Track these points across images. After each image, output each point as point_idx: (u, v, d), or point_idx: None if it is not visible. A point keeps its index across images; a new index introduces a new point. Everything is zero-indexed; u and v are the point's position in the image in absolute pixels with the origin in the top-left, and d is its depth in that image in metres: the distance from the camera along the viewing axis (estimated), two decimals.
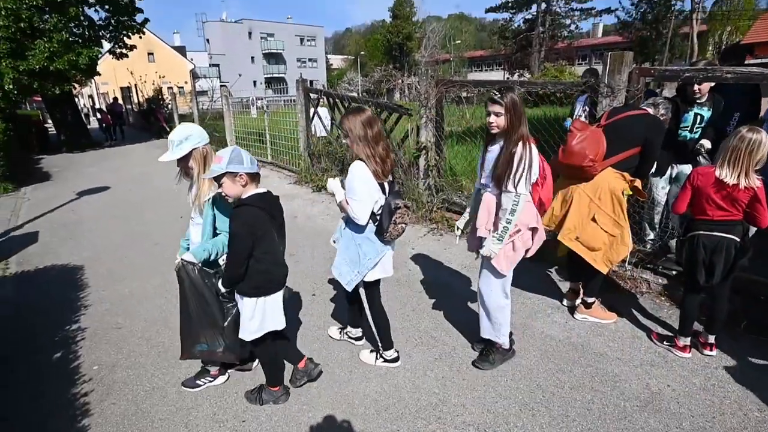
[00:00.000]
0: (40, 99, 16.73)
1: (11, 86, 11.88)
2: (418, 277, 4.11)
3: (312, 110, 7.82)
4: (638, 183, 3.00)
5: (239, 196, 2.15)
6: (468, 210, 2.82)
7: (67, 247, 5.37)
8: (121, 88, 27.17)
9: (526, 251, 2.57)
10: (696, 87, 3.42)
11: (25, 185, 9.46)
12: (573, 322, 3.26)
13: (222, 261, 2.39)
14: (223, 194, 2.17)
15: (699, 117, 3.54)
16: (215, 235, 2.42)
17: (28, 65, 12.06)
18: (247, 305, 2.25)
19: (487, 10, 39.84)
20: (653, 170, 3.34)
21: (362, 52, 58.10)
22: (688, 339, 2.82)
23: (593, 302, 3.24)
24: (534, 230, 2.52)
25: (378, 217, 2.47)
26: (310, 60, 59.46)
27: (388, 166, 2.49)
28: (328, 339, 3.19)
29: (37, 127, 16.73)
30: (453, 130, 7.73)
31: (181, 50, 45.87)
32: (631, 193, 3.03)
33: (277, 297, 2.33)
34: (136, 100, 24.17)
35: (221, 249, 2.37)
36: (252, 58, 54.02)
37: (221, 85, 13.47)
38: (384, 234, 2.49)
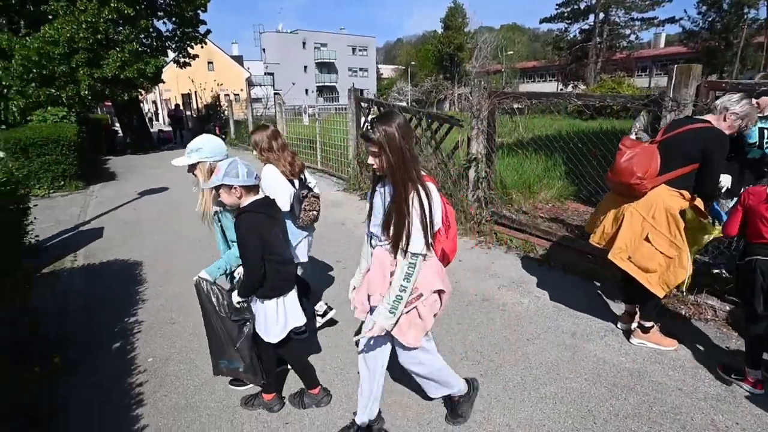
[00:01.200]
0: (110, 104, 18.02)
1: (87, 92, 12.88)
2: (464, 289, 4.04)
3: (363, 119, 7.92)
4: (699, 202, 2.81)
5: (237, 205, 2.25)
6: (361, 263, 2.31)
7: (129, 244, 5.70)
8: (182, 95, 28.73)
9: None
10: (755, 101, 3.18)
11: (93, 184, 10.17)
12: (628, 347, 3.08)
13: (237, 273, 2.47)
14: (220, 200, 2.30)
15: (765, 132, 3.29)
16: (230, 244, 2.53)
17: (102, 73, 13.03)
18: (269, 308, 2.30)
19: (542, 21, 39.15)
20: (723, 191, 3.11)
21: (413, 62, 58.50)
22: (759, 373, 2.59)
23: (651, 327, 3.05)
24: (441, 292, 2.02)
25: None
26: (361, 69, 60.54)
27: (296, 168, 3.02)
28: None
29: (106, 130, 17.99)
30: (504, 142, 7.60)
31: (239, 59, 47.98)
32: (690, 213, 2.83)
33: (293, 294, 2.40)
34: (195, 107, 25.48)
35: (234, 261, 2.45)
36: (305, 67, 55.70)
37: (275, 93, 13.97)
38: (297, 219, 2.98)
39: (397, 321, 1.92)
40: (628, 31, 36.91)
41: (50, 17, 12.48)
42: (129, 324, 3.64)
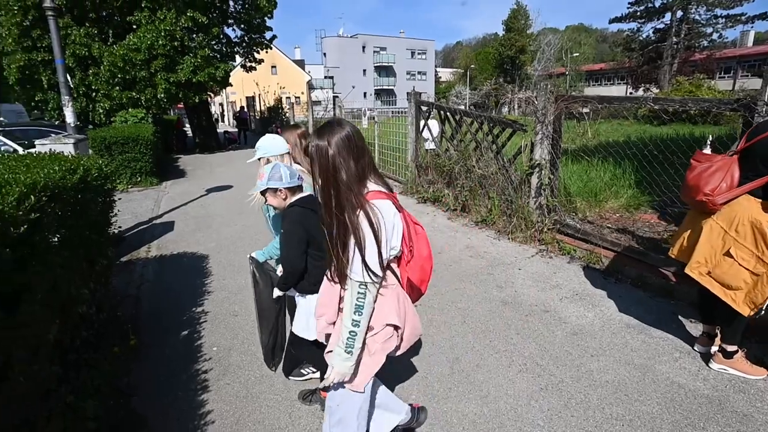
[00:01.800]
0: (181, 106, 19.24)
1: (163, 95, 13.84)
2: (524, 299, 3.91)
3: (422, 122, 7.91)
4: None
5: (283, 206, 2.32)
6: None
7: (197, 237, 6.03)
8: (247, 98, 30.10)
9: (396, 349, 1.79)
10: None
11: (165, 180, 10.88)
12: (707, 372, 2.84)
13: (279, 270, 2.55)
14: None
15: None
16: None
17: (176, 77, 13.94)
18: (310, 302, 2.27)
19: (612, 21, 37.25)
20: None
21: (472, 66, 57.76)
22: None
23: (735, 351, 2.79)
24: (397, 328, 1.72)
25: None
26: (419, 73, 60.57)
27: None
28: (429, 352, 3.15)
29: (178, 130, 19.20)
30: (568, 148, 7.29)
31: (301, 63, 49.57)
32: None
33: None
34: (258, 109, 26.62)
35: (275, 252, 2.62)
36: (364, 70, 56.58)
37: (334, 96, 14.29)
38: None
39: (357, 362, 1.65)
40: (709, 30, 34.22)
41: (134, 27, 13.53)
42: (195, 313, 3.84)
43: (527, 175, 5.23)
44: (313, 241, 2.22)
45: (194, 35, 14.67)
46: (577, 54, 44.96)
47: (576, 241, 4.84)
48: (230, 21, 16.79)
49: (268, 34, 18.13)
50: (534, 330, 3.40)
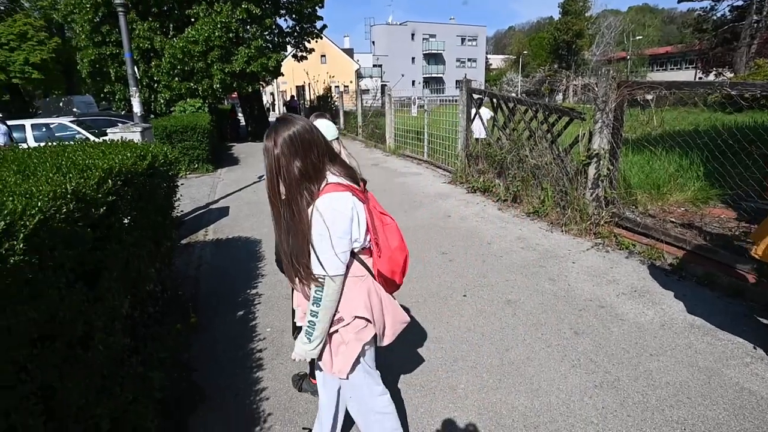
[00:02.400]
0: (234, 96, 19.88)
1: (218, 85, 14.37)
2: (578, 293, 3.78)
3: (473, 111, 7.76)
4: None
5: None
6: None
7: (250, 222, 6.27)
8: (297, 87, 30.66)
9: (376, 342, 1.79)
10: None
11: (220, 167, 11.34)
12: None
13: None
14: None
15: None
16: None
17: (231, 68, 14.41)
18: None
19: (681, 0, 34.58)
20: None
21: (524, 52, 55.78)
22: None
23: None
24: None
25: None
26: (469, 60, 59.24)
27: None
28: (478, 342, 3.13)
29: (232, 119, 19.91)
30: (628, 137, 6.91)
31: (350, 52, 49.80)
32: None
33: None
34: (308, 98, 27.07)
35: None
36: (412, 58, 56.03)
37: (382, 85, 14.28)
38: None
39: (322, 349, 1.69)
40: None
41: (193, 20, 14.10)
42: (250, 295, 4.01)
43: (584, 165, 5.02)
44: None
45: (248, 26, 15.09)
46: (641, 37, 42.22)
47: (635, 235, 4.61)
48: (282, 11, 17.12)
49: (318, 24, 18.35)
50: (588, 325, 3.29)
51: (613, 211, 4.85)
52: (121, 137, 3.65)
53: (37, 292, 1.47)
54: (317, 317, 1.60)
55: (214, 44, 13.88)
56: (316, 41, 19.11)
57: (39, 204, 1.56)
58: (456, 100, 8.75)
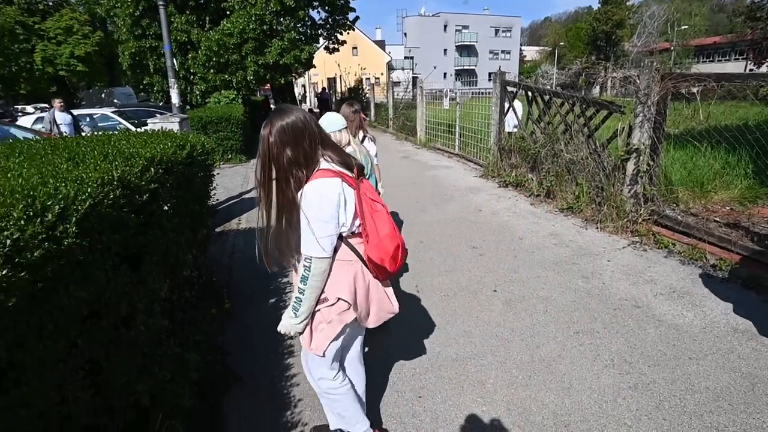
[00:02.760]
0: (266, 87, 20.13)
1: (252, 77, 14.60)
2: (612, 292, 3.68)
3: (507, 104, 7.62)
4: None
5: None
6: None
7: None
8: (328, 79, 30.82)
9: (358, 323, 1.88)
10: None
11: (252, 158, 11.55)
12: None
13: None
14: None
15: None
16: None
17: (265, 60, 14.61)
18: None
19: None
20: None
21: (561, 43, 54.22)
22: None
23: None
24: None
25: None
26: (503, 51, 58.02)
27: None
28: (508, 337, 3.10)
29: (264, 110, 20.21)
30: (671, 132, 6.64)
31: (381, 44, 49.62)
32: None
33: None
34: (339, 90, 27.17)
35: None
36: (445, 50, 55.34)
37: (413, 77, 14.17)
38: None
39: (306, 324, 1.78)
40: None
41: (228, 12, 14.34)
42: (281, 284, 4.08)
43: (622, 160, 4.85)
44: None
45: (282, 19, 15.23)
46: (686, 26, 40.26)
47: (675, 234, 4.44)
48: (315, 3, 17.20)
49: (351, 15, 18.38)
50: (623, 325, 3.20)
51: (653, 208, 4.68)
52: (161, 127, 3.77)
53: (86, 274, 1.55)
54: (303, 294, 1.69)
55: (249, 36, 14.09)
56: (348, 33, 19.14)
57: (89, 190, 1.63)
58: (489, 93, 8.61)
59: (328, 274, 1.72)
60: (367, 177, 2.94)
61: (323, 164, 1.66)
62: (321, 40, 19.01)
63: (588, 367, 2.75)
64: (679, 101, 6.76)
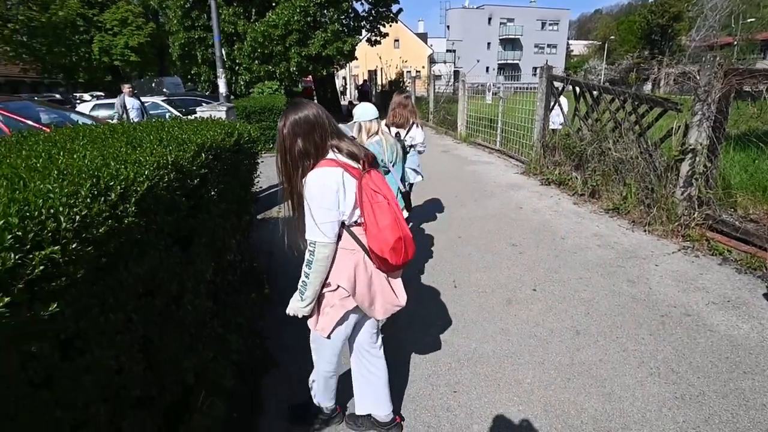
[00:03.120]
0: (307, 79, 20.37)
1: (295, 68, 14.81)
2: (660, 298, 3.52)
3: (552, 100, 7.39)
4: None
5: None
6: None
7: None
8: (369, 71, 30.82)
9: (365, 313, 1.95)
10: None
11: None
12: None
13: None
14: None
15: None
16: None
17: (308, 51, 14.79)
18: None
19: None
20: None
21: (611, 37, 52.01)
22: None
23: None
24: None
25: None
26: (549, 46, 56.26)
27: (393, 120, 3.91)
28: (547, 338, 3.03)
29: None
30: (730, 133, 6.26)
31: (423, 37, 49.14)
32: None
33: None
34: (380, 82, 27.16)
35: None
36: (488, 43, 54.26)
37: (455, 71, 13.97)
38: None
39: (313, 308, 1.90)
40: None
41: (273, 4, 14.58)
42: None
43: (676, 161, 4.61)
44: None
45: (325, 10, 15.36)
46: (753, 19, 37.63)
47: (732, 240, 4.19)
48: None
49: (394, 7, 18.29)
50: (671, 333, 3.06)
51: (707, 212, 4.44)
52: (210, 115, 3.89)
53: (143, 252, 1.62)
54: (308, 278, 1.79)
55: (293, 28, 14.30)
56: (391, 25, 19.07)
57: (146, 172, 1.70)
58: (532, 88, 8.38)
59: (333, 261, 1.80)
60: (393, 165, 3.11)
61: (329, 155, 1.75)
62: (363, 32, 19.03)
63: (631, 373, 2.65)
64: (742, 99, 6.37)
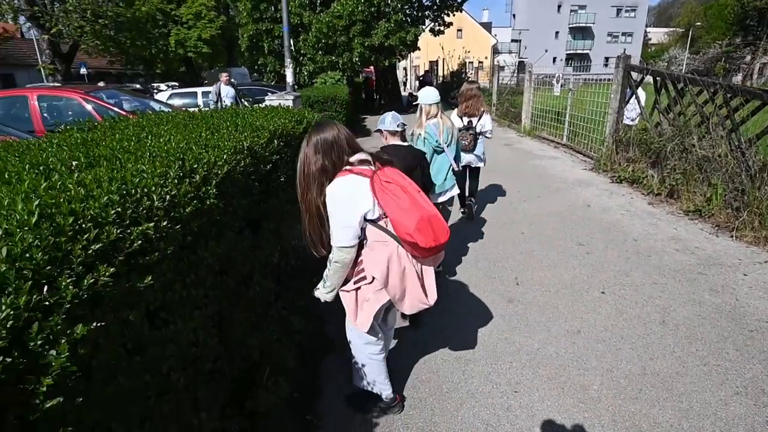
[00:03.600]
0: (369, 69, 20.45)
1: (357, 59, 14.91)
2: (748, 311, 3.21)
3: (628, 92, 6.93)
4: None
5: (387, 143, 2.92)
6: None
7: None
8: (430, 62, 30.50)
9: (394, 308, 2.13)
10: None
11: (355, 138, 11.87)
12: None
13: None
14: None
15: None
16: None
17: (371, 42, 14.82)
18: None
19: None
20: None
21: (697, 23, 47.87)
22: None
23: None
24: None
25: None
26: (623, 34, 52.69)
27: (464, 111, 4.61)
28: (616, 345, 2.86)
29: (370, 88, 20.61)
30: None
31: (487, 26, 47.73)
32: None
33: None
34: (441, 73, 26.79)
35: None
36: (556, 33, 51.75)
37: (520, 61, 13.45)
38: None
39: (336, 295, 2.05)
40: None
41: None
42: None
43: None
44: None
45: (390, 0, 15.30)
46: None
47: None
48: None
49: None
50: (762, 350, 2.78)
51: None
52: (279, 104, 4.00)
53: (221, 233, 1.70)
54: (329, 273, 1.97)
55: (357, 18, 14.37)
56: (455, 15, 18.68)
57: (225, 156, 1.77)
58: (607, 79, 7.89)
59: (356, 257, 1.95)
60: (447, 146, 3.62)
61: (346, 167, 1.93)
62: (427, 21, 18.78)
63: (713, 391, 2.44)
64: None
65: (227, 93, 9.38)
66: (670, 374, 2.59)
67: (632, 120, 7.16)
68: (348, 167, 1.92)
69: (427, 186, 3.02)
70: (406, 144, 3.00)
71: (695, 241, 4.43)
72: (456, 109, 4.61)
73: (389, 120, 2.90)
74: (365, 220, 1.90)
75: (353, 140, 2.01)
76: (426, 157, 3.10)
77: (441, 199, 3.63)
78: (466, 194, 5.00)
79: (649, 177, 6.04)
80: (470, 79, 4.21)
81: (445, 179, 3.63)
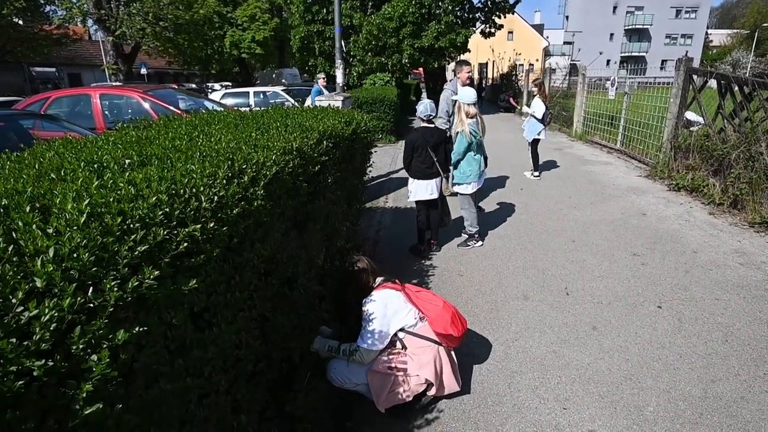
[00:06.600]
0: (416, 72, 20.36)
1: (407, 61, 14.85)
2: None
3: (690, 96, 6.48)
4: None
5: (420, 126, 4.14)
6: None
7: None
8: (479, 64, 29.98)
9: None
10: None
11: (401, 140, 11.81)
12: None
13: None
14: None
15: None
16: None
17: (420, 43, 14.71)
18: (410, 183, 4.20)
19: None
20: None
21: (764, 24, 44.51)
22: None
23: None
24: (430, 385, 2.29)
25: None
26: (682, 36, 49.72)
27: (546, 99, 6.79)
28: (674, 364, 2.64)
29: (416, 92, 20.52)
30: None
31: (539, 28, 46.42)
32: None
33: (422, 182, 4.10)
34: (491, 75, 26.28)
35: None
36: (611, 35, 49.55)
37: (571, 64, 12.94)
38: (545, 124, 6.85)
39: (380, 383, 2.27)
40: None
41: None
42: (424, 266, 4.09)
43: None
44: (417, 149, 4.02)
45: (440, 2, 15.14)
46: None
47: None
48: None
49: None
50: None
51: None
52: (329, 104, 4.01)
53: (266, 234, 1.68)
54: (347, 358, 2.25)
55: (407, 20, 14.31)
56: (506, 17, 18.26)
57: (273, 157, 1.76)
58: (665, 83, 7.43)
59: (414, 355, 2.27)
60: (479, 141, 4.27)
61: (378, 281, 2.40)
62: (478, 23, 18.46)
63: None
64: None
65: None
66: (734, 399, 2.36)
67: (697, 124, 6.71)
68: (380, 281, 2.40)
69: (449, 159, 4.15)
70: (432, 126, 4.10)
71: (762, 256, 4.06)
72: (538, 97, 7.00)
73: (421, 109, 4.02)
74: (401, 330, 2.28)
75: (374, 265, 2.47)
76: (447, 136, 4.32)
77: (472, 190, 4.30)
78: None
79: (710, 185, 5.61)
80: (534, 80, 7.09)
81: (479, 174, 4.30)
